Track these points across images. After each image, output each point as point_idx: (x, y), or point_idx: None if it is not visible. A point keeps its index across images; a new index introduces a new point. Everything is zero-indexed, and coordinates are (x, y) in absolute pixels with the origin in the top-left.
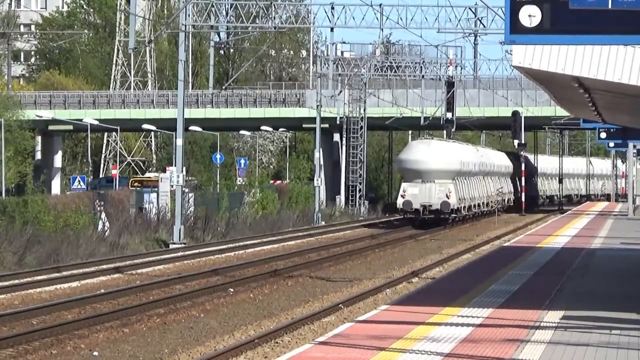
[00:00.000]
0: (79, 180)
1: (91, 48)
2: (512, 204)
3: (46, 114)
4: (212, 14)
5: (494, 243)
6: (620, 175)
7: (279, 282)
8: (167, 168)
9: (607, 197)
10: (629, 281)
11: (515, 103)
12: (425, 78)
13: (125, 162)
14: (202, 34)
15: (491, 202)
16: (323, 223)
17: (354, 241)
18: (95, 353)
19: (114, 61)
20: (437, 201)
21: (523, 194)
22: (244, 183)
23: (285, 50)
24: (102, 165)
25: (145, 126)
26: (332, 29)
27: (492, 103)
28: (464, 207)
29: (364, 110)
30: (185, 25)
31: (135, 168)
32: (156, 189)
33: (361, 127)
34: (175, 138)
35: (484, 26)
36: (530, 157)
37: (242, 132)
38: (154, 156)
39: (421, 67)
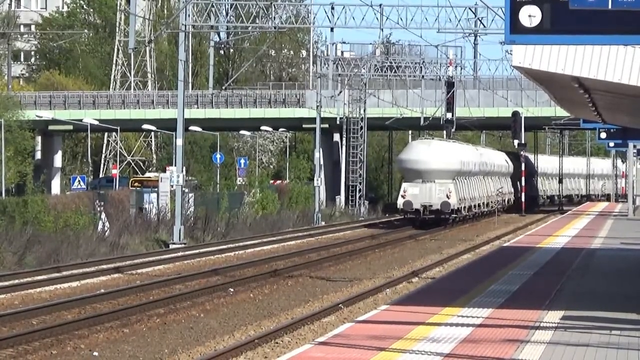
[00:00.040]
0: (79, 180)
1: (91, 48)
2: (512, 204)
3: (46, 114)
4: (212, 14)
5: (494, 243)
6: (621, 175)
7: (279, 282)
8: (167, 168)
9: (607, 197)
10: (628, 281)
11: (515, 103)
12: (425, 78)
13: (125, 162)
14: (202, 34)
15: (491, 202)
16: (323, 223)
17: (354, 241)
18: (95, 353)
19: (114, 61)
20: (438, 201)
21: (523, 194)
22: (244, 183)
23: (285, 50)
24: (102, 165)
25: (145, 126)
26: (332, 29)
27: (492, 103)
28: (464, 207)
29: (364, 110)
30: (185, 25)
31: (135, 168)
32: (156, 189)
33: (361, 128)
34: (175, 138)
35: (484, 26)
36: (530, 157)
37: (242, 132)
38: (154, 156)
39: (421, 67)
